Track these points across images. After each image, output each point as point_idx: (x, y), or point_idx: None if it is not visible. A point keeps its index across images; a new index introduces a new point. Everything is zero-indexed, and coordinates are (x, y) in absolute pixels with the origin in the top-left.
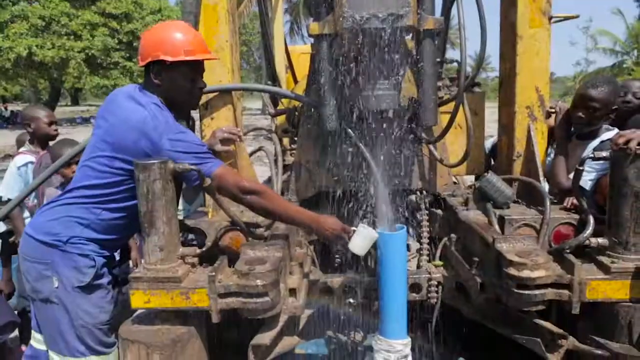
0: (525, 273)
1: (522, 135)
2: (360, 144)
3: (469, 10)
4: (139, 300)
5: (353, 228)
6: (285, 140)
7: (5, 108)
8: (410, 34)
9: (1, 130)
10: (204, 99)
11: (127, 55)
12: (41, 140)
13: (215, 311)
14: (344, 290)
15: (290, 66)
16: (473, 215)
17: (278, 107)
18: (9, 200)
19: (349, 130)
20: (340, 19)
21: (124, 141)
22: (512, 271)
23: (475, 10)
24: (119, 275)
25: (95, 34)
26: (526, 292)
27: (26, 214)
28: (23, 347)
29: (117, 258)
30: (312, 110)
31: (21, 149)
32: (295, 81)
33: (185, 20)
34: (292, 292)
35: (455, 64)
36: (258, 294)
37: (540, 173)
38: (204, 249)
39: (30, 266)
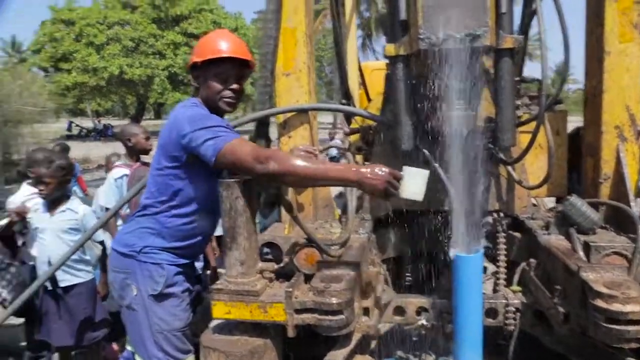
0: (616, 306)
1: (610, 157)
2: (436, 164)
3: (548, 22)
4: (220, 310)
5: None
6: (358, 158)
7: (99, 122)
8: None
9: (95, 142)
10: (281, 117)
11: None
12: (138, 153)
13: (291, 326)
14: (416, 311)
15: (363, 83)
16: (555, 240)
17: (351, 125)
18: (107, 209)
19: (425, 150)
20: (416, 40)
21: (163, 139)
22: (600, 303)
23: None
24: (197, 284)
25: (177, 53)
26: (617, 327)
27: (119, 222)
28: (114, 345)
29: (200, 266)
30: (387, 129)
31: (117, 163)
32: (368, 98)
33: (267, 43)
34: (366, 311)
35: (535, 82)
36: (333, 312)
37: (631, 197)
38: (281, 264)
39: (115, 275)
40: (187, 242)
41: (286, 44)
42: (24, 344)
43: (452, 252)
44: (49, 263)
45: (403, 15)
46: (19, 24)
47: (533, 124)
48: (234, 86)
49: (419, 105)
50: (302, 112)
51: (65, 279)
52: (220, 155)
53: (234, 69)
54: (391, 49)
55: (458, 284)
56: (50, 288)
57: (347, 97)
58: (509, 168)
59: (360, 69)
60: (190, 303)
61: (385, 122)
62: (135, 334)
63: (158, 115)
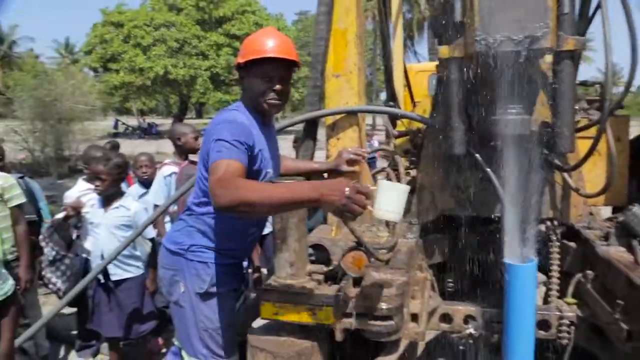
0: None
1: None
2: (488, 170)
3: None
4: (268, 311)
5: (371, 187)
6: (402, 161)
7: (143, 120)
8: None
9: (139, 140)
10: (330, 119)
11: None
12: (187, 152)
13: (340, 330)
14: (464, 319)
15: (408, 85)
16: (614, 251)
17: (396, 128)
18: (156, 206)
19: (476, 155)
20: (472, 43)
21: (204, 143)
22: None
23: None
24: (243, 284)
25: (220, 54)
26: None
27: (167, 219)
28: (159, 340)
29: (245, 265)
30: (437, 133)
31: (166, 160)
32: (413, 100)
33: (317, 45)
34: (414, 317)
35: (596, 86)
36: (383, 317)
37: None
38: (330, 267)
39: (164, 272)
40: (233, 244)
41: (337, 45)
42: (75, 332)
43: (505, 261)
44: (102, 257)
45: (459, 16)
46: (73, 27)
47: (591, 130)
48: (277, 87)
49: (471, 108)
50: (352, 114)
51: (117, 273)
52: (208, 172)
53: (278, 69)
54: (445, 51)
55: (510, 294)
56: (102, 281)
57: (393, 98)
58: (565, 175)
59: (405, 71)
60: (237, 302)
61: (436, 125)
62: (182, 330)
63: (199, 115)
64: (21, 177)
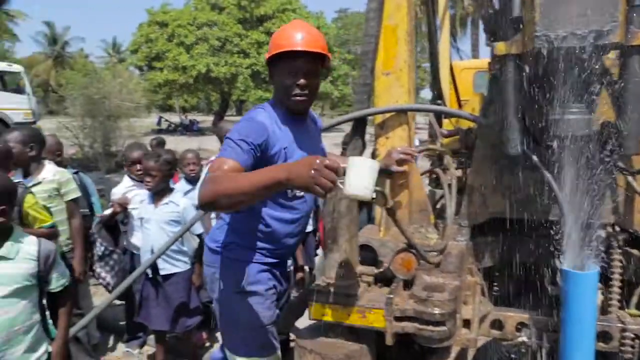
0: None
1: None
2: (546, 171)
3: None
4: (317, 312)
5: (342, 165)
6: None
7: (185, 117)
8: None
9: (181, 136)
10: (379, 118)
11: None
12: None
13: (390, 333)
14: (516, 326)
15: (453, 83)
16: None
17: (442, 127)
18: None
19: (533, 156)
20: (531, 39)
21: None
22: None
23: None
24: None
25: (261, 52)
26: None
27: (213, 215)
28: (204, 334)
29: (290, 263)
30: (491, 132)
31: (212, 158)
32: (458, 98)
33: (367, 42)
34: (466, 323)
35: None
36: (435, 322)
37: None
38: (381, 269)
39: (207, 269)
40: (270, 243)
41: (387, 43)
42: (123, 323)
43: (563, 268)
44: (152, 252)
45: (517, 11)
46: (120, 27)
47: None
48: (302, 81)
49: (529, 108)
50: (402, 112)
51: (165, 268)
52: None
53: (302, 62)
54: (502, 47)
55: (569, 303)
56: (150, 275)
57: (440, 97)
58: (630, 178)
59: (451, 69)
60: (277, 301)
61: (490, 124)
62: (222, 326)
63: (240, 112)
64: (76, 173)
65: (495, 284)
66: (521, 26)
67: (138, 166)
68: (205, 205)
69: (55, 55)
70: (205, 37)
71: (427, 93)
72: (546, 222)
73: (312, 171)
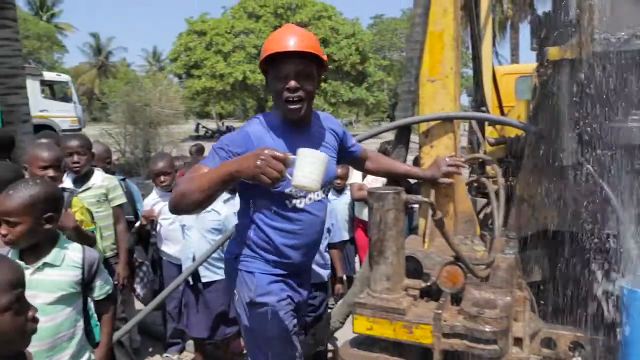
0: None
1: None
2: (603, 182)
3: None
4: (361, 325)
5: (291, 156)
6: (489, 169)
7: (222, 123)
8: None
9: None
10: (424, 126)
11: (323, 77)
12: None
13: (438, 350)
14: (569, 345)
15: (496, 89)
16: None
17: (486, 135)
18: None
19: (589, 166)
20: (589, 42)
21: None
22: None
23: None
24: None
25: None
26: None
27: None
28: (241, 341)
29: (327, 274)
30: (541, 141)
31: None
32: (500, 104)
33: (412, 48)
34: (517, 341)
35: None
36: (486, 340)
37: None
38: (428, 283)
39: (226, 281)
40: (273, 255)
41: (432, 49)
42: (161, 326)
43: (623, 285)
44: (193, 259)
45: (573, 14)
46: (160, 36)
47: None
48: (292, 83)
49: (584, 115)
50: (448, 120)
51: (207, 275)
52: None
53: (292, 64)
54: (555, 52)
55: (629, 323)
56: (192, 283)
57: (483, 103)
58: None
59: (493, 74)
60: (295, 312)
61: (541, 133)
62: (243, 336)
63: None
64: (123, 179)
65: (543, 300)
66: (577, 30)
67: (162, 177)
68: (173, 209)
69: (100, 65)
70: (242, 45)
71: (464, 99)
72: (602, 235)
73: (259, 161)
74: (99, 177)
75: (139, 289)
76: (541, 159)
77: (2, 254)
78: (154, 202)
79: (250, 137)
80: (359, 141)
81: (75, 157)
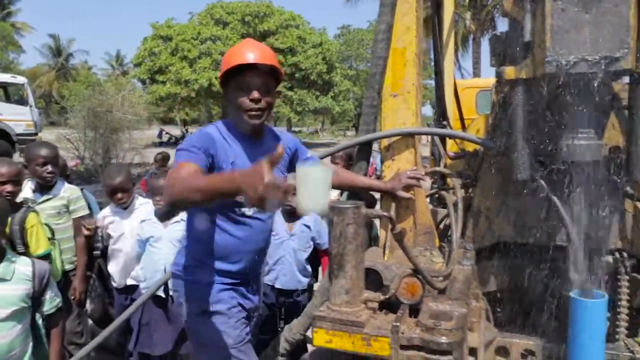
0: None
1: None
2: (554, 197)
3: None
4: (321, 338)
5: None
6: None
7: (186, 130)
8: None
9: None
10: (385, 141)
11: (289, 85)
12: None
13: None
14: (522, 353)
15: (457, 102)
16: None
17: (448, 149)
18: None
19: (541, 181)
20: (542, 64)
21: None
22: None
23: None
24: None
25: None
26: None
27: None
28: None
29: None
30: (498, 156)
31: None
32: (462, 117)
33: (375, 64)
34: (472, 351)
35: None
36: (442, 352)
37: None
38: (387, 295)
39: (173, 295)
40: (224, 263)
41: (395, 65)
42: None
43: (571, 294)
44: (164, 271)
45: (528, 36)
46: (123, 40)
47: None
48: (255, 95)
49: (537, 132)
50: (409, 135)
51: None
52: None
53: (253, 76)
54: (511, 72)
55: (576, 330)
56: (163, 295)
57: (444, 117)
58: (638, 204)
59: (455, 88)
60: (247, 319)
61: (498, 148)
62: (193, 350)
63: None
64: (81, 190)
65: (499, 308)
66: (531, 51)
67: (120, 195)
68: (177, 202)
69: (59, 67)
70: (209, 51)
71: (426, 110)
72: (552, 247)
73: (264, 190)
74: (61, 188)
75: (87, 303)
76: (497, 173)
77: None
78: (106, 217)
79: (212, 137)
80: (321, 158)
81: (50, 167)
